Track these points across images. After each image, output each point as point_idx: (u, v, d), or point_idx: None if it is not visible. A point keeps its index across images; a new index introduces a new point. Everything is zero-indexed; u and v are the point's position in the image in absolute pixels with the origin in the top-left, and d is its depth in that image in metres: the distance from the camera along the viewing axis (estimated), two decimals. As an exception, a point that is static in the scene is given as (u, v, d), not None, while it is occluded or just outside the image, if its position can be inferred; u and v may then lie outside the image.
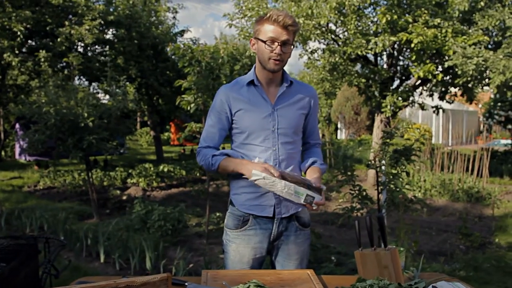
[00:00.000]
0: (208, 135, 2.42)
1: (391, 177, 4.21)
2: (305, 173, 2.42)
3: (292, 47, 2.30)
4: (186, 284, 1.98)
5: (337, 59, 10.38)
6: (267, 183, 2.10)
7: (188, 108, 6.00)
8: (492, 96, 23.71)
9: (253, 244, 2.39)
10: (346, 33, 10.35)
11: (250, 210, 2.38)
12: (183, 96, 6.01)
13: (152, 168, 11.61)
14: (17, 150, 15.45)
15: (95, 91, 8.45)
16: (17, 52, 11.92)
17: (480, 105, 27.15)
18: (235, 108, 2.34)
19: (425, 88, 11.39)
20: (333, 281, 2.01)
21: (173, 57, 6.05)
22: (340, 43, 10.49)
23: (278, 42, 2.22)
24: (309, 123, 2.48)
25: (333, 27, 10.55)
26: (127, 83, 14.52)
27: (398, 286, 1.66)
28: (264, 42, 2.23)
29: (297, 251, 2.43)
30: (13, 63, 11.53)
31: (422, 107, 11.53)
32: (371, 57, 11.25)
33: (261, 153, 2.33)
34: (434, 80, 10.09)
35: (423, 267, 4.38)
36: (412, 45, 8.89)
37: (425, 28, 8.80)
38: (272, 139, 2.33)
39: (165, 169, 11.56)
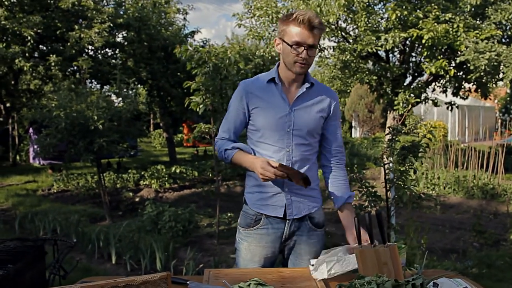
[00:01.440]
0: (224, 127, 2.44)
1: (399, 174, 4.20)
2: (340, 210, 2.45)
3: (317, 48, 2.28)
4: (188, 283, 2.01)
5: (347, 57, 10.36)
6: (341, 262, 2.02)
7: (197, 109, 6.05)
8: (509, 91, 23.47)
9: (264, 243, 2.40)
10: (356, 31, 10.33)
11: (261, 209, 2.39)
12: (191, 97, 6.06)
13: (164, 170, 11.69)
14: (31, 154, 15.63)
15: (107, 94, 8.53)
16: (28, 57, 12.06)
17: (496, 101, 26.88)
18: (252, 105, 2.34)
19: (438, 84, 11.31)
20: (335, 279, 2.02)
21: (182, 58, 6.08)
22: (350, 40, 10.47)
23: (305, 46, 2.19)
24: (327, 126, 2.43)
25: (343, 25, 10.53)
26: (139, 85, 14.63)
27: (395, 283, 1.67)
28: (290, 46, 2.20)
29: (309, 251, 2.43)
30: (25, 68, 11.67)
31: (435, 103, 11.45)
32: (382, 54, 11.21)
33: (274, 153, 2.34)
34: (447, 76, 10.03)
35: (434, 265, 4.37)
36: (423, 41, 8.84)
37: (436, 24, 8.74)
38: (287, 139, 2.32)
39: (178, 170, 11.63)
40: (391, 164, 4.23)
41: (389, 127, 4.09)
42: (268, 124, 2.32)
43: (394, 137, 4.07)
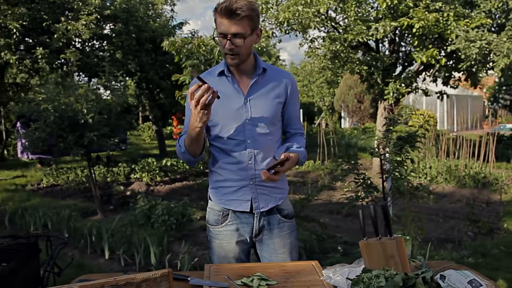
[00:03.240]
0: (186, 127, 2.27)
1: (395, 164, 4.17)
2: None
3: (250, 35, 2.14)
4: (189, 279, 1.97)
5: (338, 47, 10.31)
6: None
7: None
8: (497, 80, 23.60)
9: (236, 238, 2.35)
10: (346, 20, 10.28)
11: (227, 205, 2.33)
12: (182, 91, 5.98)
13: (155, 163, 11.61)
14: (19, 148, 15.46)
15: (95, 87, 8.41)
16: (14, 50, 11.88)
17: (484, 90, 27.04)
18: None
19: (428, 73, 11.31)
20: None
21: (167, 50, 6.02)
22: (340, 30, 10.43)
23: (227, 37, 2.10)
24: (287, 111, 2.36)
25: (333, 15, 10.48)
26: (127, 78, 14.50)
27: (404, 276, 1.63)
28: (214, 38, 2.15)
29: (283, 244, 2.38)
30: (11, 61, 11.50)
31: (426, 93, 11.46)
32: (372, 43, 11.18)
33: (235, 146, 2.26)
34: (437, 65, 10.03)
35: (431, 255, 4.36)
36: (414, 30, 8.82)
37: (427, 13, 8.72)
38: (246, 131, 2.24)
39: (168, 163, 11.56)
40: (387, 155, 4.20)
41: (385, 118, 4.06)
42: (225, 117, 2.24)
43: (390, 127, 4.03)
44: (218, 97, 2.00)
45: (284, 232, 2.38)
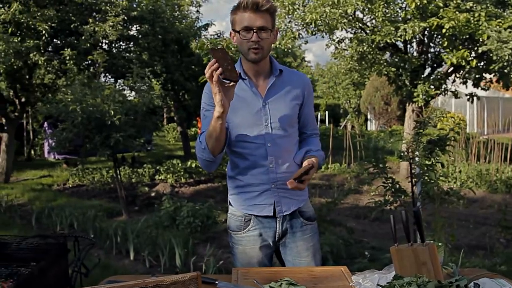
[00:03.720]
0: (205, 124, 2.24)
1: (425, 168, 4.11)
2: (300, 165, 2.30)
3: (272, 31, 2.18)
4: (216, 282, 1.97)
5: (365, 48, 10.23)
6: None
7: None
8: (530, 81, 23.10)
9: (259, 244, 2.35)
10: (374, 21, 10.19)
11: (249, 210, 2.33)
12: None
13: (180, 164, 11.68)
14: (46, 149, 15.73)
15: (121, 88, 8.53)
16: (42, 51, 12.09)
17: (516, 91, 26.47)
18: None
19: (458, 75, 11.13)
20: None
21: (197, 51, 6.06)
22: (368, 31, 10.34)
23: (254, 30, 2.11)
24: (303, 112, 2.38)
25: (360, 15, 10.41)
26: (153, 79, 14.64)
27: (437, 284, 1.61)
28: (239, 32, 2.14)
29: (307, 247, 2.38)
30: (40, 62, 11.71)
31: (456, 95, 11.28)
32: (400, 45, 11.06)
33: (255, 150, 2.26)
34: (468, 67, 9.85)
35: (462, 262, 4.28)
36: (444, 30, 8.68)
37: (457, 12, 8.58)
38: (266, 134, 2.24)
39: (193, 165, 11.60)
40: (416, 159, 4.14)
41: (415, 121, 4.01)
42: (244, 121, 2.24)
43: (420, 130, 3.98)
44: (236, 81, 1.97)
45: (307, 235, 2.38)
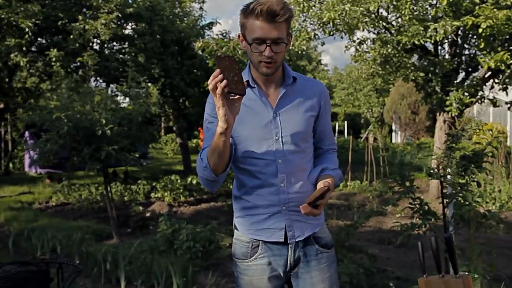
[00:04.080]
0: (207, 139, 2.23)
1: (458, 188, 4.09)
2: (315, 185, 2.29)
3: (287, 43, 2.17)
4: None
5: (390, 50, 10.23)
6: None
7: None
8: None
9: (268, 274, 2.32)
10: (400, 20, 10.21)
11: (257, 235, 2.31)
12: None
13: (179, 181, 11.69)
14: (27, 161, 15.82)
15: (113, 94, 8.57)
16: (25, 51, 12.18)
17: None
18: None
19: (496, 80, 11.10)
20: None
21: (200, 53, 6.09)
22: (393, 31, 10.36)
23: (267, 43, 2.09)
24: (319, 125, 2.37)
25: (385, 13, 10.42)
26: (150, 84, 14.73)
27: (473, 322, 1.59)
28: (250, 44, 2.13)
29: (322, 278, 2.34)
30: (22, 64, 11.79)
31: (494, 103, 11.24)
32: (430, 46, 11.08)
33: (264, 167, 2.24)
34: (508, 71, 9.83)
35: (501, 296, 4.24)
36: (480, 30, 8.66)
37: (495, 10, 8.57)
38: (276, 150, 2.23)
39: (194, 181, 11.60)
40: (448, 177, 4.12)
41: (447, 134, 4.00)
42: (252, 134, 2.22)
43: (453, 144, 3.96)
44: (242, 94, 1.96)
45: (322, 264, 2.35)
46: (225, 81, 1.90)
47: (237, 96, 1.97)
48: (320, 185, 2.18)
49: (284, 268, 2.32)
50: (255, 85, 2.24)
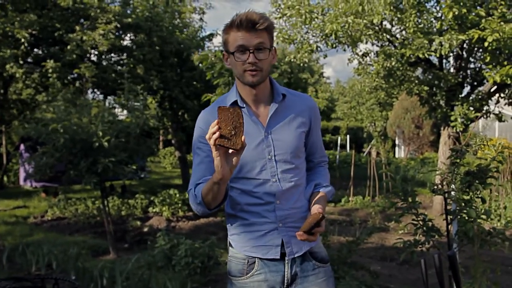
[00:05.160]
0: (194, 178, 2.29)
1: (462, 204, 4.10)
2: (308, 201, 2.36)
3: (270, 50, 2.22)
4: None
5: (393, 63, 10.26)
6: None
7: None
8: None
9: None
10: (404, 33, 10.26)
11: (252, 252, 2.33)
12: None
13: (177, 195, 11.70)
14: (22, 175, 15.83)
15: (110, 106, 8.60)
16: (21, 62, 12.20)
17: None
18: None
19: (502, 95, 11.14)
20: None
21: (200, 65, 6.13)
22: (397, 44, 10.40)
23: (250, 50, 2.15)
24: (310, 140, 2.43)
25: (389, 26, 10.48)
26: (148, 96, 14.75)
27: None
28: (233, 53, 2.18)
29: None
30: (17, 75, 11.79)
31: (500, 118, 11.27)
32: (435, 60, 11.10)
33: (257, 186, 2.28)
34: (514, 86, 9.87)
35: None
36: (486, 44, 8.70)
37: (502, 23, 8.61)
38: (270, 168, 2.27)
39: (193, 196, 11.62)
40: (452, 193, 4.13)
41: (451, 149, 4.01)
42: (244, 156, 2.20)
43: (457, 160, 3.98)
44: (236, 150, 1.96)
45: (320, 278, 2.37)
46: (217, 133, 1.92)
47: (233, 151, 1.99)
48: (314, 210, 2.21)
49: (281, 284, 2.33)
50: (244, 105, 2.28)
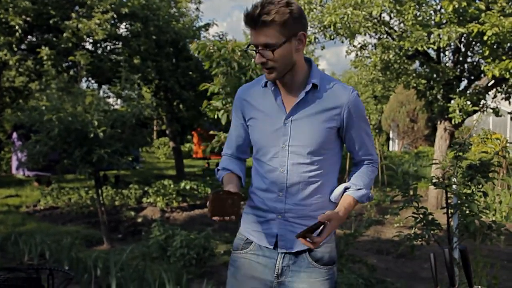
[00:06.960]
0: (228, 143, 2.45)
1: (464, 198, 4.07)
2: (335, 203, 2.26)
3: (286, 43, 2.05)
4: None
5: (391, 56, 10.22)
6: None
7: (215, 116, 5.94)
8: None
9: (252, 272, 2.27)
10: (402, 25, 10.22)
11: (251, 235, 2.31)
12: (210, 102, 5.96)
13: (171, 185, 11.65)
14: (14, 163, 15.73)
15: (105, 95, 8.53)
16: (15, 49, 12.10)
17: None
18: (247, 115, 2.28)
19: (500, 89, 11.13)
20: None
21: (196, 55, 6.04)
22: (395, 36, 10.36)
23: (256, 49, 2.08)
24: (347, 137, 2.25)
25: (387, 18, 10.43)
26: (143, 85, 14.68)
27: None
28: (246, 51, 2.17)
29: None
30: (10, 62, 11.71)
31: (497, 112, 11.25)
32: (432, 53, 11.07)
33: (267, 173, 2.23)
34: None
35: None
36: (485, 37, 8.67)
37: (502, 17, 8.58)
38: (281, 157, 2.19)
39: (187, 187, 11.58)
40: (454, 186, 4.10)
41: (454, 142, 3.98)
42: (262, 138, 2.21)
43: (460, 153, 3.95)
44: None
45: (313, 278, 2.22)
46: (209, 213, 2.02)
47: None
48: (320, 217, 2.07)
49: (272, 271, 2.24)
50: (273, 86, 2.19)
